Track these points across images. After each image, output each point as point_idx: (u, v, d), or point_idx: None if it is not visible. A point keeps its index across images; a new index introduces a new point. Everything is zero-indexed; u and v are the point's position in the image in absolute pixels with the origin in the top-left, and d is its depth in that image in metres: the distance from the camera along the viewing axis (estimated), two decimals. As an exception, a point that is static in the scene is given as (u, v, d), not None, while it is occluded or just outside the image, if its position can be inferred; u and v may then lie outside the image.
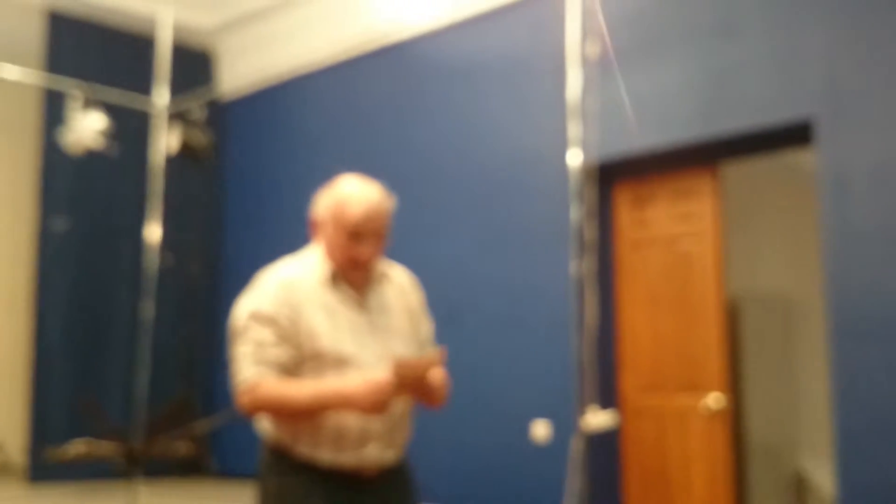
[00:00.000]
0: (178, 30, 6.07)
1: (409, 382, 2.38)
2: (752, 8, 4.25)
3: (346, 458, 2.44)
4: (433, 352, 2.54)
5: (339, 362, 2.43)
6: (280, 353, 2.41)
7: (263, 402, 2.41)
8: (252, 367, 2.40)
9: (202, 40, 6.77)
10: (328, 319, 2.46)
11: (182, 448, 4.46)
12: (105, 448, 4.13)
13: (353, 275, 2.53)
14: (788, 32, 4.10)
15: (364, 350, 2.47)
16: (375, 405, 2.33)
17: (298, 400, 2.38)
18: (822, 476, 5.80)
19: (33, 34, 6.18)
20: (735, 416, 5.08)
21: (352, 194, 2.51)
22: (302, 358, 2.43)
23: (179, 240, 6.19)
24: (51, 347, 6.19)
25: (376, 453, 2.47)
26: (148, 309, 5.78)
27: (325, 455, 2.44)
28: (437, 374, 2.48)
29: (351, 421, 2.41)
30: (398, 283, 2.68)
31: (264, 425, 2.54)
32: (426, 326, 2.73)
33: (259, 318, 2.43)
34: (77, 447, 4.24)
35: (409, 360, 2.43)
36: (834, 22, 3.97)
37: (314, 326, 2.44)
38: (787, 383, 6.30)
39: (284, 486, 2.49)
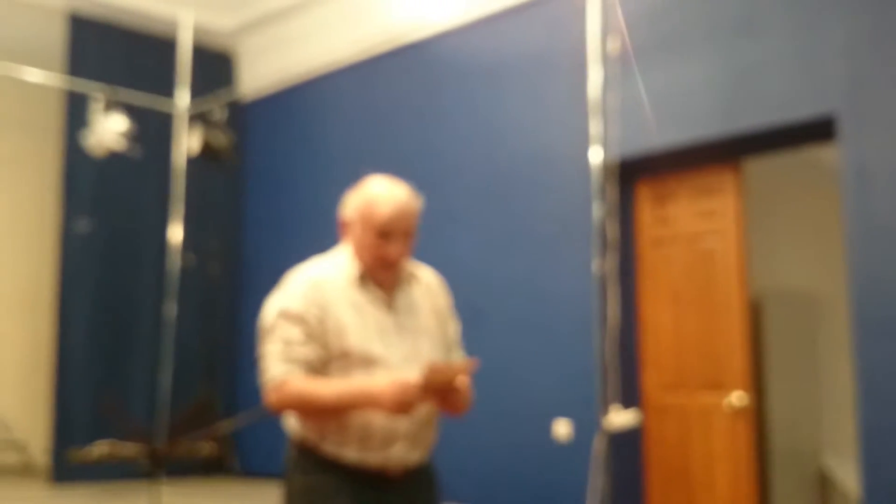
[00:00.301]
0: (198, 32, 6.10)
1: (437, 387, 2.39)
2: (773, 3, 4.22)
3: (371, 457, 2.45)
4: (465, 360, 2.55)
5: (367, 362, 2.44)
6: (308, 351, 2.42)
7: (290, 399, 2.42)
8: (280, 365, 2.42)
9: (223, 42, 6.80)
10: (356, 319, 2.47)
11: (205, 448, 4.47)
12: (128, 449, 4.15)
13: (381, 275, 2.54)
14: (810, 27, 4.07)
15: (391, 350, 2.48)
16: (401, 406, 2.33)
17: (325, 398, 2.40)
18: (847, 474, 5.76)
19: (55, 37, 6.22)
20: (758, 415, 5.05)
21: (380, 194, 2.53)
22: (329, 357, 2.44)
23: (201, 240, 6.22)
24: (74, 349, 6.23)
25: (402, 454, 2.47)
26: (170, 309, 5.82)
27: (351, 454, 2.44)
28: (462, 382, 2.49)
29: (377, 421, 2.41)
30: (426, 284, 2.69)
31: (291, 423, 2.56)
32: (453, 328, 2.74)
33: (288, 316, 2.45)
34: (100, 448, 4.26)
35: (440, 365, 2.44)
36: (856, 16, 3.94)
37: (342, 326, 2.45)
38: (811, 381, 6.26)
39: (310, 484, 2.50)
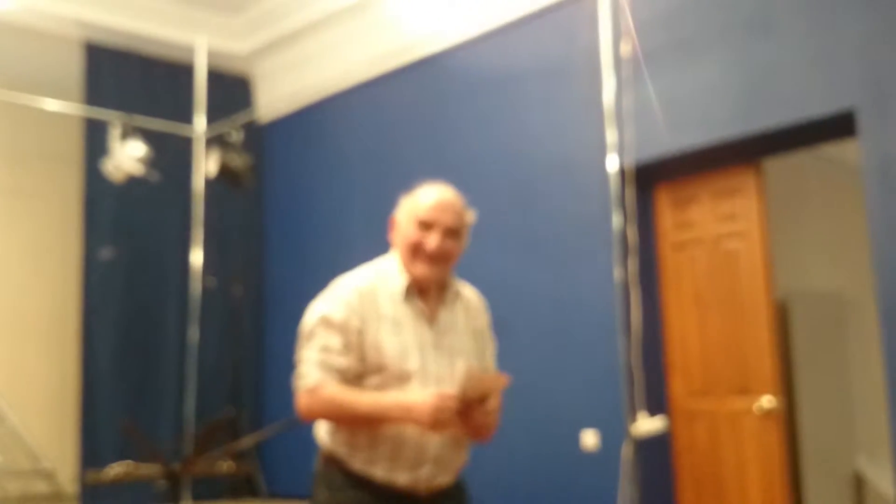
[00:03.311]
0: (214, 56, 6.15)
1: (472, 398, 2.36)
2: (786, 1, 4.19)
3: (400, 477, 2.42)
4: (501, 375, 2.53)
5: (403, 377, 2.42)
6: (344, 361, 2.42)
7: (322, 404, 2.41)
8: (316, 371, 2.42)
9: (238, 65, 6.84)
10: (396, 333, 2.46)
11: (224, 467, 4.46)
12: (146, 470, 4.15)
13: (421, 272, 2.52)
14: (826, 23, 4.04)
15: (428, 366, 2.46)
16: (437, 421, 2.31)
17: (357, 406, 2.38)
18: (881, 477, 5.68)
19: (73, 67, 6.28)
20: (789, 418, 4.99)
21: (427, 188, 2.60)
22: (365, 371, 2.43)
23: (222, 262, 6.24)
24: (99, 376, 6.25)
25: (430, 475, 2.45)
26: (193, 332, 5.84)
27: (380, 472, 2.42)
28: (495, 403, 2.46)
29: (409, 440, 2.40)
30: (467, 303, 2.67)
31: (321, 434, 2.54)
32: (490, 349, 2.73)
33: (329, 324, 2.45)
34: (116, 469, 4.27)
35: (477, 373, 2.42)
36: (872, 10, 3.91)
37: (381, 339, 2.44)
38: (841, 382, 6.19)
39: (337, 501, 2.48)
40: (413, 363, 2.44)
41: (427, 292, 2.55)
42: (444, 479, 2.49)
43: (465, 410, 2.38)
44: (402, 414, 2.35)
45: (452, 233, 2.54)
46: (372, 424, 2.39)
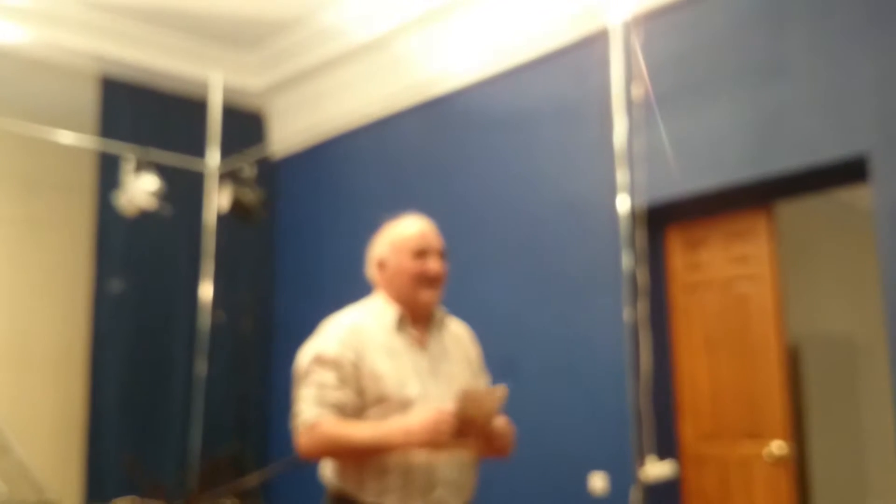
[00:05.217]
0: (228, 92, 6.19)
1: (472, 418, 2.35)
2: (799, 45, 4.20)
3: None
4: (496, 387, 2.52)
5: (404, 405, 2.43)
6: (341, 395, 2.42)
7: (322, 441, 2.40)
8: (313, 408, 2.42)
9: (253, 101, 6.89)
10: (392, 363, 2.48)
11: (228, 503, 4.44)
12: (149, 505, 4.14)
13: (418, 313, 2.56)
14: (838, 67, 4.05)
15: (428, 392, 2.47)
16: (436, 436, 2.30)
17: (357, 438, 2.37)
18: (894, 524, 5.61)
19: (88, 100, 6.33)
20: (800, 463, 4.94)
21: (403, 222, 2.67)
22: (365, 404, 2.43)
23: (232, 297, 6.24)
24: (106, 408, 6.23)
25: (443, 500, 2.43)
26: (201, 366, 5.82)
27: (392, 502, 2.40)
28: (501, 422, 2.47)
29: (417, 465, 2.39)
30: (456, 334, 2.70)
31: (327, 473, 2.53)
32: (483, 382, 2.73)
33: (322, 361, 2.46)
34: (121, 503, 4.25)
35: (473, 392, 2.42)
36: (884, 54, 3.91)
37: (378, 370, 2.45)
38: (853, 427, 6.13)
39: (349, 540, 2.46)
40: (413, 390, 2.45)
41: (418, 322, 2.58)
42: (457, 502, 2.48)
43: (471, 430, 2.37)
44: (402, 438, 2.34)
45: (442, 254, 2.60)
46: (373, 455, 2.38)
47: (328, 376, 2.43)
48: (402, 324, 2.55)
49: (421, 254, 2.57)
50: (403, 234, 2.61)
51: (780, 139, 4.22)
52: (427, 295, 2.56)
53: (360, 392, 2.43)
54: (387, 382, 2.44)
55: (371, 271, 2.67)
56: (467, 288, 5.06)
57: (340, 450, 2.41)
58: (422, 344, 2.56)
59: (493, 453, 2.52)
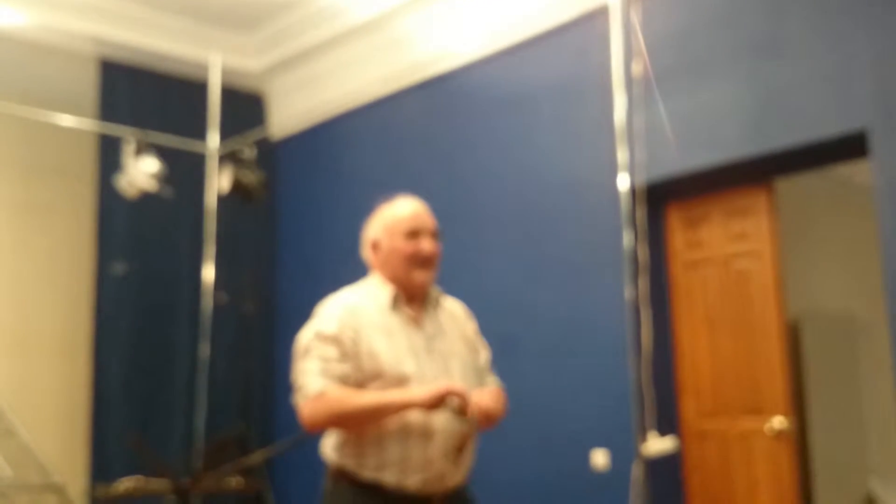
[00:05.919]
0: (228, 73, 6.18)
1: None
2: (798, 21, 4.20)
3: (411, 480, 2.44)
4: (494, 389, 2.63)
5: (401, 380, 2.48)
6: (345, 368, 2.46)
7: (327, 410, 2.43)
8: (319, 379, 2.45)
9: (252, 83, 6.88)
10: (388, 341, 2.52)
11: (234, 483, 4.46)
12: (155, 485, 4.15)
13: (419, 280, 2.60)
14: (838, 43, 4.05)
15: (424, 369, 2.51)
16: (434, 396, 2.38)
17: (360, 403, 2.42)
18: (893, 498, 5.65)
19: (87, 83, 6.33)
20: (800, 439, 4.97)
21: (396, 204, 2.69)
22: (364, 379, 2.46)
23: (233, 278, 6.26)
24: (110, 390, 6.26)
25: (441, 474, 2.47)
26: (204, 348, 5.85)
27: (391, 477, 2.44)
28: (490, 391, 2.53)
29: (415, 437, 2.43)
30: (451, 312, 2.73)
31: (328, 450, 2.56)
32: (484, 354, 2.76)
33: (323, 337, 2.50)
34: (126, 484, 4.26)
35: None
36: (883, 30, 3.91)
37: (375, 348, 2.49)
38: (853, 403, 6.16)
39: (348, 512, 2.49)
40: (409, 367, 2.49)
41: (413, 301, 2.61)
42: (455, 478, 2.51)
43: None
44: (402, 401, 2.41)
45: (435, 235, 2.62)
46: (380, 418, 2.42)
47: (330, 350, 2.47)
48: (396, 303, 2.59)
49: (414, 234, 2.60)
50: (396, 215, 2.63)
51: (779, 116, 4.22)
52: (420, 275, 2.60)
53: (358, 368, 2.47)
54: (383, 360, 2.48)
55: (366, 252, 2.70)
56: (468, 267, 5.08)
57: (347, 417, 2.44)
58: (417, 322, 2.59)
59: (487, 424, 2.55)
